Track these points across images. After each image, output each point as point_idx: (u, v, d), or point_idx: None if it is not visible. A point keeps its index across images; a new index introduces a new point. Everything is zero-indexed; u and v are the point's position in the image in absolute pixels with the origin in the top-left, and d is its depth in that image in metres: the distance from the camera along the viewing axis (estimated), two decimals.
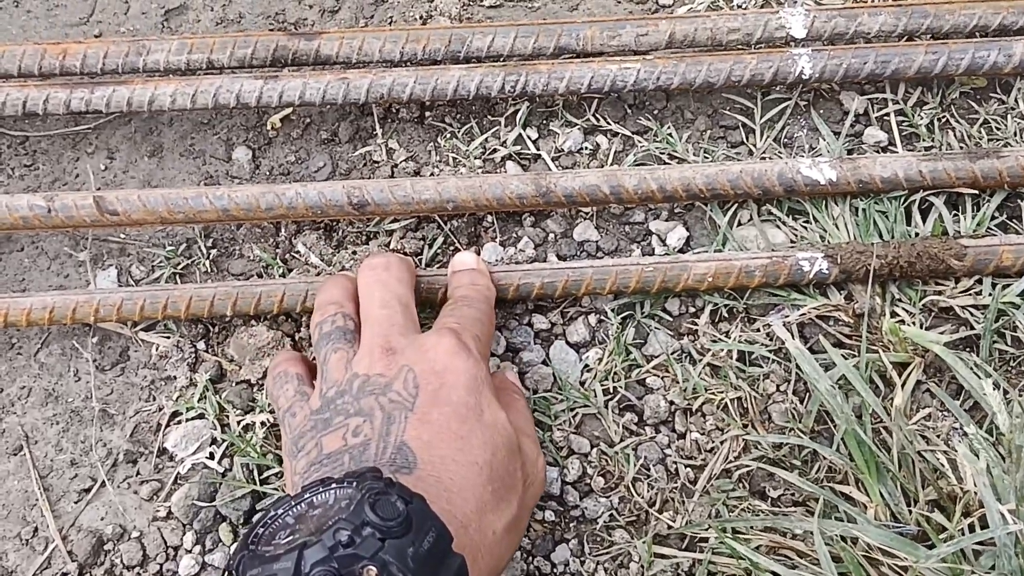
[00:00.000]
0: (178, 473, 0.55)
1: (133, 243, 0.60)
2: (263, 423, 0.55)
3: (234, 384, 0.57)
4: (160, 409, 0.56)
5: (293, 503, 0.36)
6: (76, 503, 0.55)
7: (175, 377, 0.57)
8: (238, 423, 0.55)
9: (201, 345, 0.58)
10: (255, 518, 0.39)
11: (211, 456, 0.55)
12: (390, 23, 0.64)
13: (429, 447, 0.40)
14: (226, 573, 0.35)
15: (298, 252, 0.59)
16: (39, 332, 0.59)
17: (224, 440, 0.55)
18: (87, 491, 0.55)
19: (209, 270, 0.59)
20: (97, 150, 0.63)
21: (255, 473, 0.54)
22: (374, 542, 0.33)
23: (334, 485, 0.36)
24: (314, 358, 0.48)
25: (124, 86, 0.60)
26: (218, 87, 0.59)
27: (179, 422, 0.56)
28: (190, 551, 0.54)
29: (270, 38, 0.60)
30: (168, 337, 0.58)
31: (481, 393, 0.42)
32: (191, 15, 0.66)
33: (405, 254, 0.58)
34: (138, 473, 0.56)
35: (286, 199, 0.57)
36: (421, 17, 0.64)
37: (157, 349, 0.58)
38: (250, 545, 0.35)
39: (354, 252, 0.58)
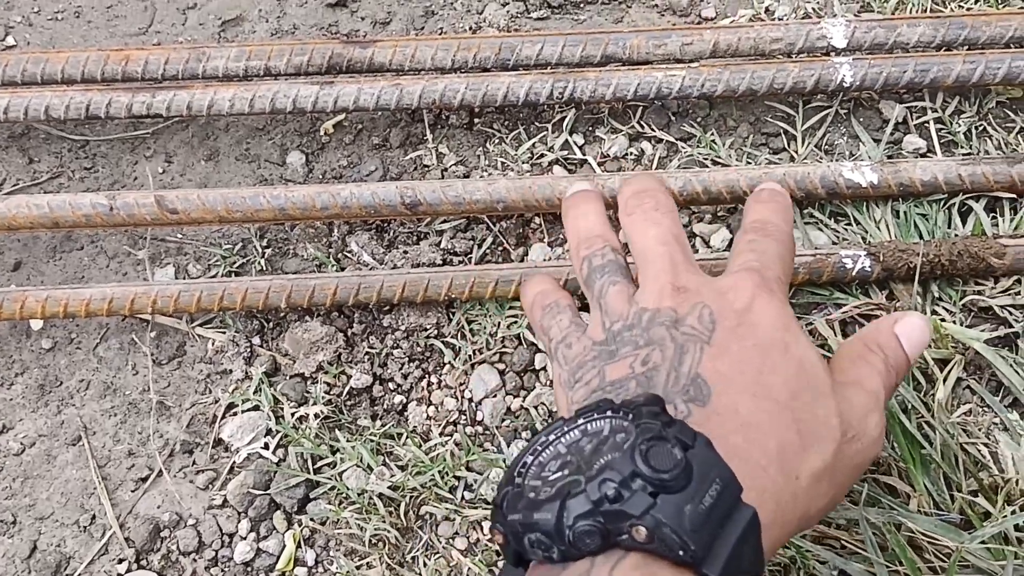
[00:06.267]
0: (233, 463, 0.59)
1: (190, 242, 0.65)
2: (316, 415, 0.59)
3: (288, 377, 0.61)
4: (216, 401, 0.61)
5: (566, 429, 0.34)
6: (133, 491, 0.59)
7: (231, 371, 0.61)
8: (292, 415, 0.60)
9: (256, 340, 0.62)
10: (525, 445, 0.35)
11: (266, 446, 0.59)
12: (440, 33, 0.70)
13: (727, 380, 0.37)
14: (493, 506, 0.34)
15: (351, 251, 0.64)
16: (98, 327, 0.63)
17: (279, 431, 0.59)
18: (144, 480, 0.60)
19: (264, 268, 0.64)
20: (155, 154, 0.68)
21: (309, 462, 0.58)
22: (644, 498, 0.30)
23: (609, 412, 0.34)
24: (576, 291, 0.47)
25: (184, 91, 0.65)
26: (276, 92, 0.64)
27: (235, 414, 0.60)
28: (244, 538, 0.58)
29: (326, 46, 0.66)
30: (224, 332, 0.62)
31: (788, 329, 0.39)
32: (247, 26, 0.72)
33: (454, 255, 0.63)
34: (194, 463, 0.60)
35: (341, 199, 0.62)
36: (471, 28, 0.70)
37: (213, 344, 0.62)
38: (516, 478, 0.33)
39: (405, 252, 0.63)
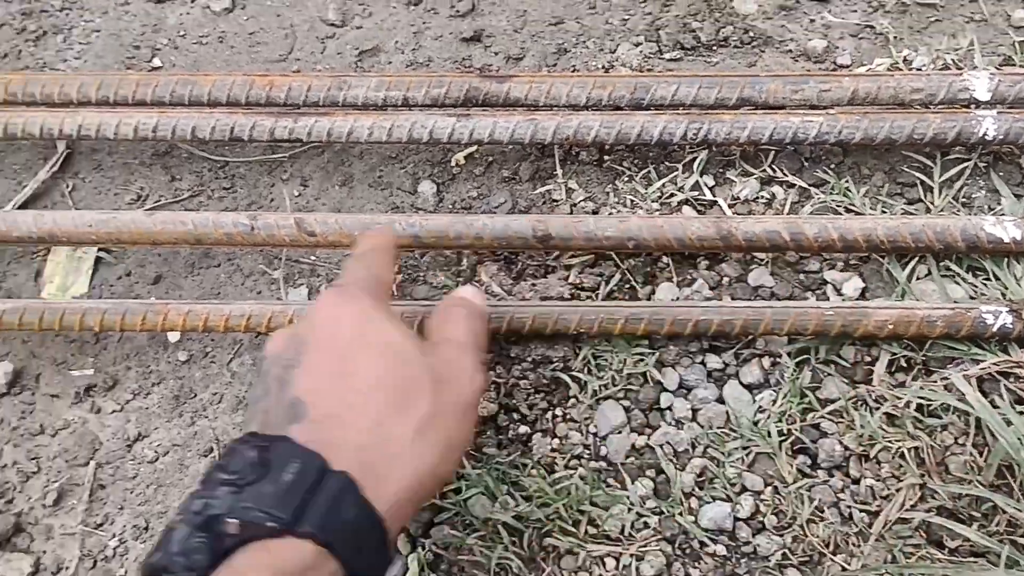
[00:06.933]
0: None
1: (323, 265, 0.67)
2: None
3: None
4: None
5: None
6: None
7: None
8: None
9: None
10: None
11: None
12: (573, 70, 0.71)
13: (317, 392, 0.42)
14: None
15: (480, 280, 0.65)
16: (232, 342, 0.66)
17: None
18: None
19: (394, 293, 0.65)
20: (292, 177, 0.70)
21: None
22: (229, 497, 0.36)
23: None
24: None
25: (326, 118, 0.67)
26: (413, 122, 0.66)
27: None
28: None
29: (463, 79, 0.67)
30: None
31: (367, 322, 0.44)
32: (383, 57, 0.74)
33: (582, 289, 0.64)
34: None
35: (474, 229, 0.63)
36: (604, 67, 0.71)
37: None
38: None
39: (533, 284, 0.64)
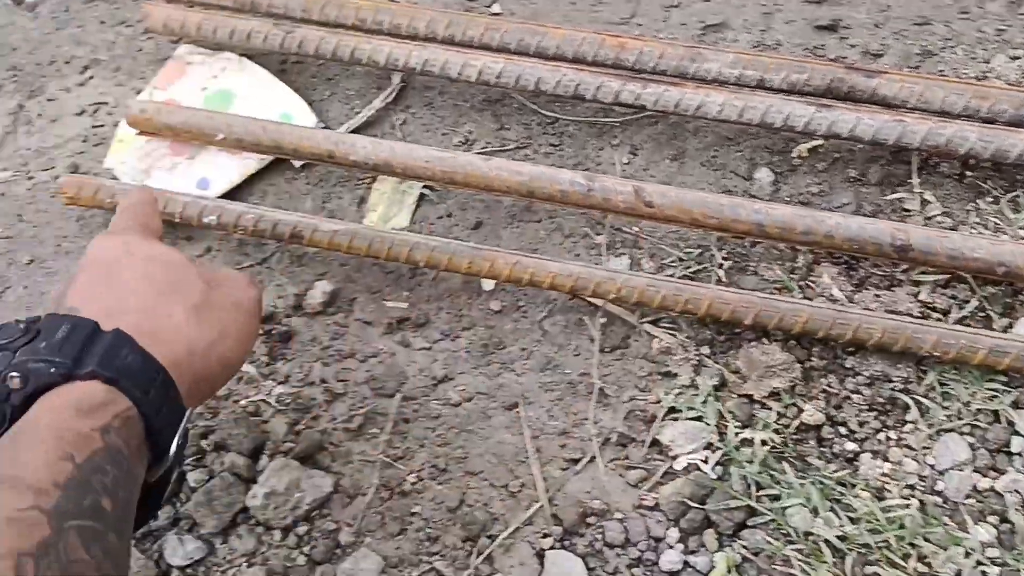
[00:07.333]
0: (669, 468, 0.59)
1: (646, 238, 0.65)
2: (763, 441, 0.57)
3: (735, 396, 0.60)
4: (658, 402, 0.60)
5: None
6: (563, 471, 0.60)
7: (676, 375, 0.61)
8: (736, 435, 0.58)
9: (705, 350, 0.61)
10: None
11: (705, 460, 0.58)
12: (940, 74, 0.67)
13: (88, 297, 0.43)
14: None
15: (816, 281, 0.62)
16: (545, 300, 0.65)
17: (719, 448, 0.58)
18: (575, 462, 0.60)
19: (721, 280, 0.63)
20: (621, 144, 0.69)
21: (752, 488, 0.57)
22: (6, 358, 0.39)
23: None
24: None
25: (675, 88, 0.65)
26: (768, 106, 0.63)
27: (675, 419, 0.60)
28: (672, 547, 0.57)
29: (827, 69, 0.64)
30: (673, 335, 0.62)
31: (134, 245, 0.47)
32: (729, 34, 0.71)
33: (932, 310, 0.60)
34: (627, 457, 0.60)
35: (825, 227, 0.60)
36: (977, 77, 0.66)
37: (659, 343, 0.62)
38: None
39: (877, 295, 0.60)
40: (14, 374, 0.38)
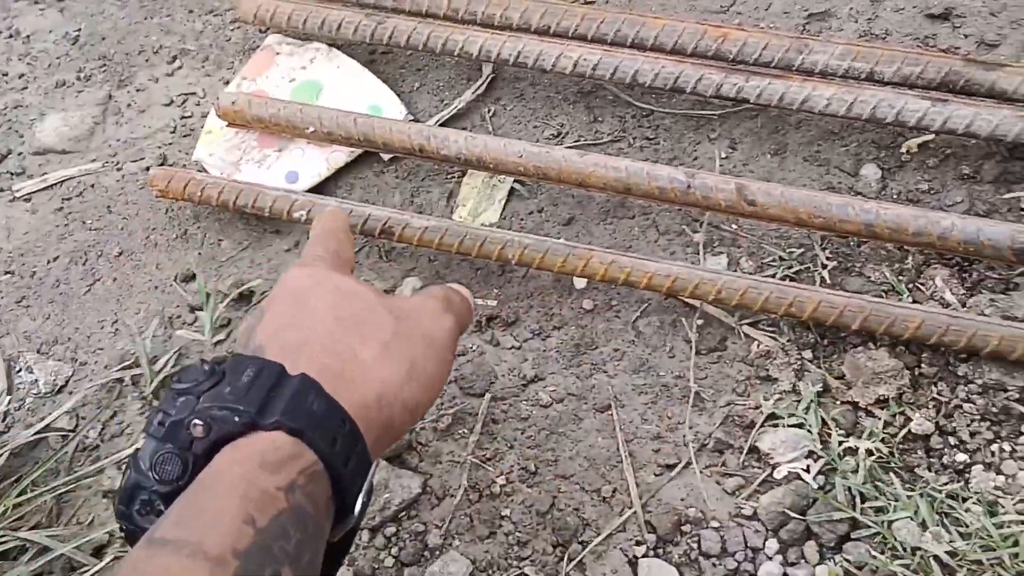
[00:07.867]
0: (768, 476, 0.57)
1: (745, 236, 0.63)
2: (869, 451, 0.55)
3: (839, 403, 0.58)
4: (757, 407, 0.59)
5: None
6: (657, 476, 0.58)
7: (776, 379, 0.59)
8: (839, 443, 0.56)
9: (807, 355, 0.59)
10: None
11: (807, 469, 0.56)
12: None
13: (276, 334, 0.42)
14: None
15: (927, 284, 0.59)
16: (639, 300, 0.63)
17: (822, 457, 0.56)
18: (669, 468, 0.58)
19: (824, 281, 0.61)
20: (720, 137, 0.67)
21: (856, 499, 0.55)
22: (189, 404, 0.37)
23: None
24: None
25: (780, 80, 0.63)
26: (880, 100, 0.61)
27: (775, 426, 0.58)
28: (771, 558, 0.55)
29: (943, 61, 0.61)
30: (774, 338, 0.60)
31: (325, 279, 0.45)
32: (834, 23, 0.68)
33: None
34: (723, 464, 0.58)
35: (939, 228, 0.57)
36: None
37: (758, 346, 0.60)
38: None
39: (992, 300, 0.58)
40: (197, 422, 0.37)
